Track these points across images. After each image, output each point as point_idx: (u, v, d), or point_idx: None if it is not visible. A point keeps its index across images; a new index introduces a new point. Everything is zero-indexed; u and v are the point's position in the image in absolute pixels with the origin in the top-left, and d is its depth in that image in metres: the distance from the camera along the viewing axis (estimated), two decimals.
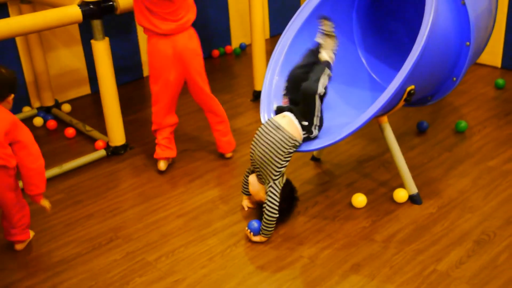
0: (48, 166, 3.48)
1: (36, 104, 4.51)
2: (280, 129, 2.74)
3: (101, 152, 3.71)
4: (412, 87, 2.80)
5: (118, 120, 3.69)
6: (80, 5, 3.32)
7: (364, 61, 3.52)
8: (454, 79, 3.14)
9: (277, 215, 2.76)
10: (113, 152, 3.74)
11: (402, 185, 3.08)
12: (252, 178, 2.91)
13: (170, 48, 3.20)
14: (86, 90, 4.80)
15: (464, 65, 3.08)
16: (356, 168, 3.43)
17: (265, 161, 2.76)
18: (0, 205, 2.70)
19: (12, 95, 2.61)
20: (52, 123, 4.19)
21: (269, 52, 3.58)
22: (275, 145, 2.73)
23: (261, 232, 2.78)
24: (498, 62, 4.76)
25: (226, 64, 5.38)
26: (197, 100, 3.46)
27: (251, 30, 4.26)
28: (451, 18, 2.98)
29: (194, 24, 3.27)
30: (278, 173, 2.77)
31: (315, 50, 2.95)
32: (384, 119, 3.01)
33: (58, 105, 4.52)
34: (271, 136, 2.74)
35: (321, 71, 2.81)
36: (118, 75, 4.16)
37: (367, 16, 3.51)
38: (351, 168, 3.43)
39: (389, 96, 2.64)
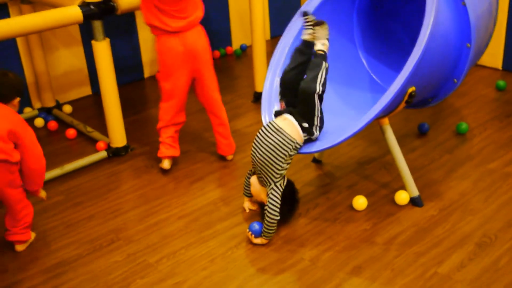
0: (49, 167, 3.48)
1: (37, 105, 4.51)
2: (280, 132, 2.74)
3: (102, 153, 3.71)
4: (413, 88, 2.80)
5: (119, 121, 3.69)
6: (81, 6, 3.32)
7: (364, 62, 3.52)
8: (455, 80, 3.14)
9: (278, 217, 2.75)
10: (114, 154, 3.74)
11: (403, 187, 3.08)
12: (254, 180, 2.91)
13: (181, 45, 3.22)
14: (87, 91, 4.80)
15: (465, 66, 3.08)
16: (357, 170, 3.43)
17: (266, 164, 2.75)
18: (4, 202, 2.72)
19: (18, 99, 2.72)
20: (53, 124, 4.18)
21: (269, 53, 3.59)
22: (275, 148, 2.73)
23: (262, 234, 2.78)
24: (499, 64, 4.76)
25: (226, 65, 5.38)
26: (202, 99, 3.46)
27: (251, 31, 4.26)
28: (452, 19, 2.98)
29: None
30: (279, 176, 2.76)
31: (302, 49, 2.90)
32: (385, 121, 3.01)
33: (59, 106, 4.52)
34: (271, 139, 2.74)
35: (317, 68, 2.76)
36: (119, 76, 4.16)
37: (368, 17, 3.51)
38: (352, 170, 3.42)
39: (390, 98, 2.64)
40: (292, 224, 2.94)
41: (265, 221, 2.75)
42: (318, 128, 2.80)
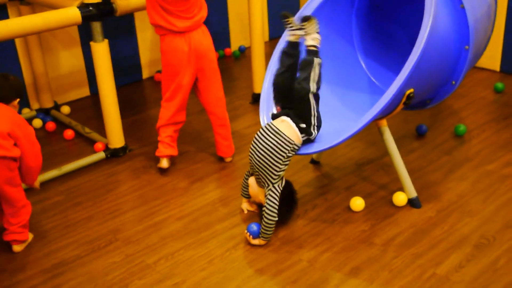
0: (47, 168, 3.50)
1: (35, 105, 4.51)
2: (278, 134, 2.74)
3: (100, 154, 3.71)
4: (411, 90, 2.81)
5: (117, 122, 3.69)
6: (80, 7, 3.32)
7: (363, 64, 3.53)
8: (453, 82, 3.14)
9: (276, 219, 2.76)
10: (112, 154, 3.74)
11: (401, 189, 3.08)
12: (252, 181, 2.91)
13: (186, 45, 3.25)
14: (85, 92, 4.80)
15: (463, 68, 3.09)
16: (355, 171, 3.43)
17: (264, 166, 2.76)
18: (3, 200, 2.75)
19: (18, 99, 2.81)
20: (51, 125, 4.18)
21: (268, 55, 3.59)
22: (274, 149, 2.73)
23: (260, 235, 2.78)
24: (497, 66, 4.77)
25: (225, 66, 5.38)
26: (205, 99, 3.46)
27: (250, 32, 4.26)
28: (450, 22, 2.99)
29: None
30: (277, 177, 2.77)
31: (288, 51, 2.88)
32: (383, 122, 3.01)
33: (57, 107, 4.52)
34: (269, 141, 2.74)
35: (309, 66, 2.75)
36: (118, 77, 4.16)
37: (367, 19, 3.52)
38: (350, 171, 3.43)
39: (388, 99, 2.65)
40: (290, 225, 2.94)
41: (263, 222, 2.75)
42: (316, 127, 2.80)
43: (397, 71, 2.81)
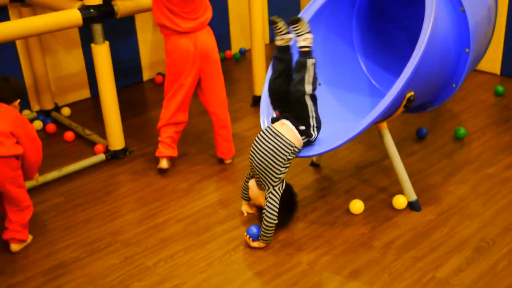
0: (47, 169, 3.51)
1: (36, 107, 4.51)
2: (279, 136, 2.74)
3: (101, 156, 3.71)
4: (412, 93, 2.81)
5: (117, 124, 3.69)
6: (81, 9, 3.32)
7: (363, 66, 3.53)
8: (454, 85, 3.14)
9: (276, 221, 2.75)
10: (113, 156, 3.74)
11: (401, 192, 3.08)
12: (252, 183, 2.91)
13: (192, 45, 3.27)
14: (85, 93, 4.80)
15: (464, 71, 3.09)
16: (355, 174, 3.43)
17: (264, 168, 2.75)
18: (8, 200, 2.78)
19: (19, 100, 2.89)
20: (51, 127, 4.18)
21: (268, 57, 3.60)
22: (274, 152, 2.73)
23: (260, 238, 2.78)
24: (497, 69, 4.77)
25: (225, 68, 5.36)
26: (207, 100, 3.46)
27: (251, 35, 4.26)
28: (451, 25, 2.99)
29: None
30: (277, 180, 2.77)
31: (279, 56, 2.87)
32: (384, 125, 3.01)
33: (57, 108, 4.52)
34: (270, 144, 2.74)
35: (302, 68, 2.73)
36: (118, 79, 4.16)
37: (367, 22, 3.52)
38: (350, 174, 3.43)
39: (389, 102, 2.65)
40: (290, 228, 2.94)
41: (263, 225, 2.75)
42: (315, 128, 2.79)
43: (397, 73, 2.81)
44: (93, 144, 3.92)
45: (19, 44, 4.29)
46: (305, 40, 2.78)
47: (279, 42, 2.87)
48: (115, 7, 3.47)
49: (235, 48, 5.73)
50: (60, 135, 4.12)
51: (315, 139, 2.82)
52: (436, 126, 3.96)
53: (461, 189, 3.20)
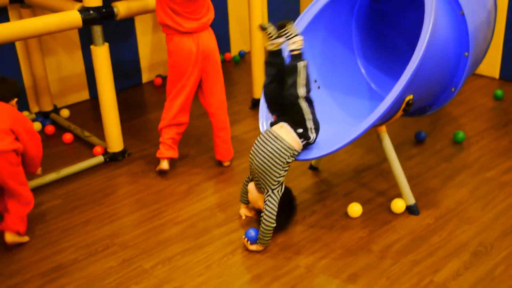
0: (45, 171, 3.50)
1: (35, 109, 4.51)
2: (278, 139, 2.74)
3: (99, 158, 3.71)
4: (411, 97, 2.81)
5: (116, 126, 3.69)
6: (80, 11, 3.32)
7: (362, 69, 3.53)
8: (453, 89, 3.15)
9: (275, 225, 2.75)
10: (111, 158, 3.73)
11: (399, 195, 3.08)
12: (251, 186, 2.91)
13: (194, 45, 3.28)
14: (85, 95, 4.80)
15: (463, 75, 3.09)
16: (354, 177, 3.43)
17: (263, 171, 2.75)
18: (10, 195, 2.82)
19: (16, 99, 2.96)
20: (50, 128, 4.18)
21: None
22: (273, 155, 2.73)
23: (258, 241, 2.77)
24: (496, 73, 4.77)
25: (225, 71, 5.33)
26: (207, 101, 3.47)
27: (250, 37, 4.27)
28: (450, 28, 2.99)
29: None
30: (276, 183, 2.76)
31: (271, 60, 2.86)
32: (383, 129, 3.01)
33: (56, 110, 4.52)
34: (269, 146, 2.74)
35: (294, 72, 2.73)
36: (117, 81, 4.16)
37: (367, 25, 3.52)
38: (349, 178, 3.43)
39: (388, 105, 2.65)
40: (288, 231, 2.93)
41: (261, 228, 2.75)
42: (313, 130, 2.79)
43: (396, 77, 2.81)
44: (91, 146, 3.91)
45: (18, 46, 4.29)
46: (294, 43, 2.77)
47: (269, 47, 2.87)
48: (115, 9, 3.47)
49: (234, 51, 5.74)
50: (59, 136, 4.12)
51: (314, 141, 2.81)
52: (435, 129, 3.96)
53: (460, 193, 3.20)
